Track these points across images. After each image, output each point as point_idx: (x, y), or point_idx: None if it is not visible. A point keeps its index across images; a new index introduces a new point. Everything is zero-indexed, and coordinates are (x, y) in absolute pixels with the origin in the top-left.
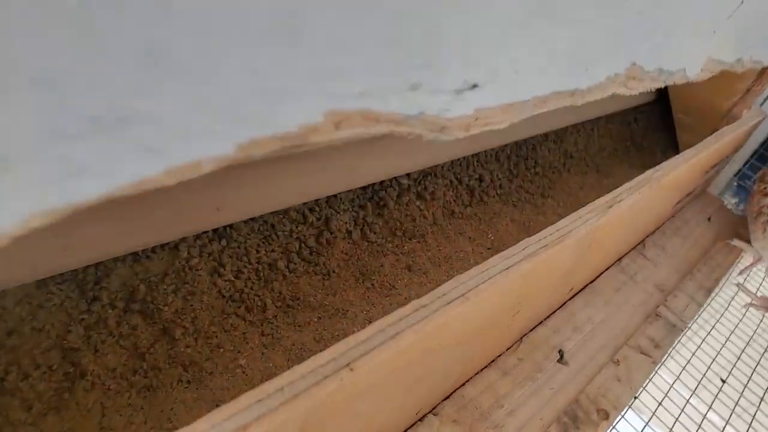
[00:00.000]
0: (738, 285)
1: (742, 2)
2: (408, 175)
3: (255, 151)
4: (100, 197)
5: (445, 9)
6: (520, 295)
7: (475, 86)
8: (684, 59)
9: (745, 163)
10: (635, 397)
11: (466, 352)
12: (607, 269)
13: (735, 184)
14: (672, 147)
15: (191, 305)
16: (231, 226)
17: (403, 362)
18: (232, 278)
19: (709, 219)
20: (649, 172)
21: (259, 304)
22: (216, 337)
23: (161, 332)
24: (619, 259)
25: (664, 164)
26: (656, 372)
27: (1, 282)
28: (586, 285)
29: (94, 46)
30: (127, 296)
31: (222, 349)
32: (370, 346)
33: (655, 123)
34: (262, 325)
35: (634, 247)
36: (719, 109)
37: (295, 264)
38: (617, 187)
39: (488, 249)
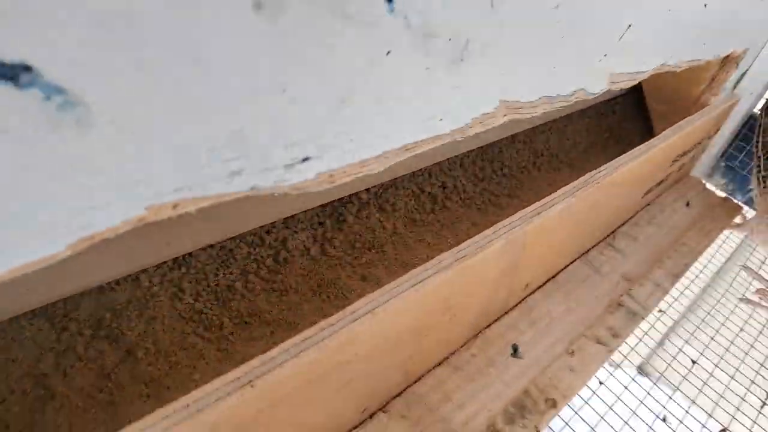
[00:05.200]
0: (745, 268)
1: (630, 26)
2: (368, 189)
3: (83, 246)
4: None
5: (243, 117)
6: (448, 300)
7: (306, 159)
8: (579, 81)
9: (730, 144)
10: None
11: (400, 356)
12: (572, 263)
13: (722, 165)
14: (652, 136)
15: (153, 328)
16: (190, 254)
17: (314, 375)
18: (192, 301)
19: (687, 204)
20: (588, 175)
21: (216, 323)
22: (175, 355)
23: (125, 354)
24: (587, 252)
25: (608, 164)
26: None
27: None
28: (548, 280)
29: None
30: (95, 324)
31: (180, 365)
32: (273, 365)
33: (632, 112)
34: (218, 342)
35: (603, 239)
36: (690, 97)
37: (253, 284)
38: None
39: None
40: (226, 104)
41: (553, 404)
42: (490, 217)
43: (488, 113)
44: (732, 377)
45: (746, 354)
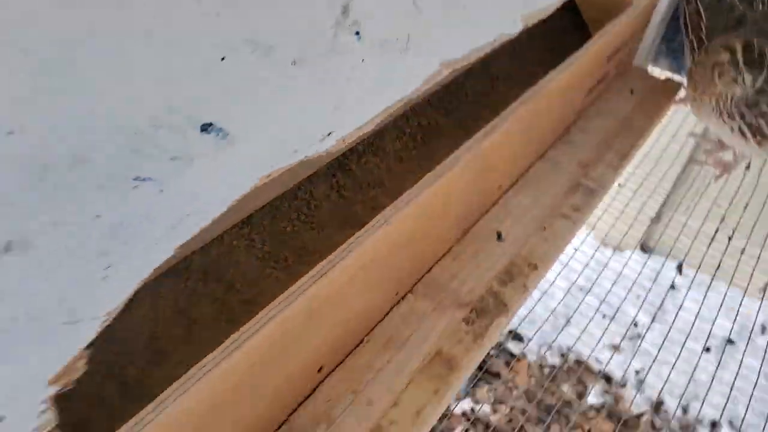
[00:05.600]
0: (693, 135)
1: None
2: (362, 141)
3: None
4: None
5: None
6: (441, 206)
7: (330, 133)
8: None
9: (666, 28)
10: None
11: (415, 249)
12: (534, 163)
13: (663, 47)
14: None
15: (241, 269)
16: (250, 215)
17: (367, 261)
18: (261, 246)
19: (631, 92)
20: (533, 88)
21: (282, 257)
22: (259, 284)
23: (228, 287)
24: (545, 153)
25: (549, 74)
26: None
27: None
28: (518, 179)
29: None
30: (204, 272)
31: (264, 289)
32: (336, 260)
33: (572, 26)
34: (285, 270)
35: (559, 138)
36: (616, 1)
37: (298, 226)
38: None
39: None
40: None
41: (535, 267)
42: (462, 141)
43: (433, 74)
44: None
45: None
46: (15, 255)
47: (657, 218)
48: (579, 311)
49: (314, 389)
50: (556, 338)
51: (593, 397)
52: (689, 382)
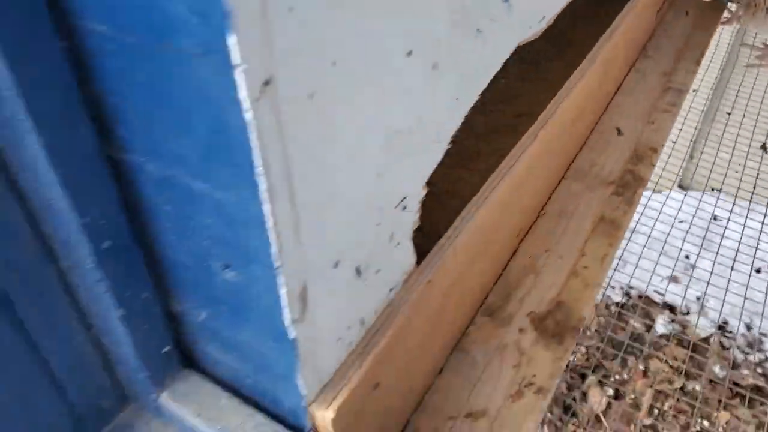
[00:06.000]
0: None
1: None
2: None
3: None
4: None
5: None
6: (575, 113)
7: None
8: None
9: None
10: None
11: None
12: (627, 74)
13: None
14: None
15: None
16: None
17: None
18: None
19: (686, 13)
20: (617, 18)
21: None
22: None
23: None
24: (633, 65)
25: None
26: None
27: None
28: (619, 87)
29: None
30: None
31: None
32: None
33: None
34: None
35: (641, 54)
36: None
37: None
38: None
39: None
40: None
41: (655, 150)
42: (564, 65)
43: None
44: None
45: None
46: None
47: (690, 157)
48: (631, 251)
49: (516, 250)
50: (613, 277)
51: (661, 327)
52: (744, 302)
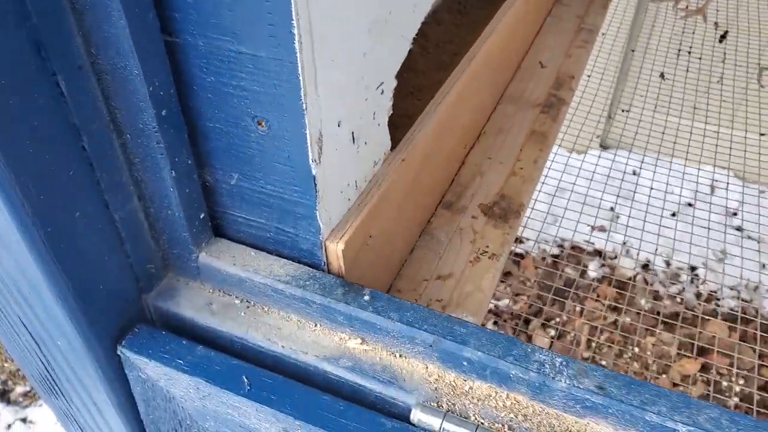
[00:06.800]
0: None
1: None
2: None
3: None
4: None
5: None
6: (503, 46)
7: None
8: None
9: None
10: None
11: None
12: (545, 19)
13: None
14: None
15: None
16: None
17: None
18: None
19: None
20: None
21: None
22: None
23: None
24: (550, 11)
25: None
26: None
27: None
28: (540, 29)
29: None
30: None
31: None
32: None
33: None
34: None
35: (556, 1)
36: None
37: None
38: None
39: None
40: None
41: (572, 77)
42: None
43: None
44: None
45: None
46: None
47: (609, 117)
48: (561, 207)
49: (464, 160)
50: (547, 231)
51: (593, 272)
52: (657, 241)
